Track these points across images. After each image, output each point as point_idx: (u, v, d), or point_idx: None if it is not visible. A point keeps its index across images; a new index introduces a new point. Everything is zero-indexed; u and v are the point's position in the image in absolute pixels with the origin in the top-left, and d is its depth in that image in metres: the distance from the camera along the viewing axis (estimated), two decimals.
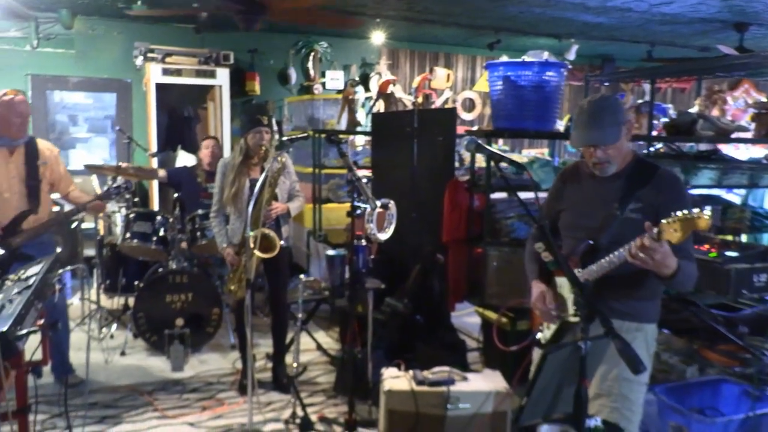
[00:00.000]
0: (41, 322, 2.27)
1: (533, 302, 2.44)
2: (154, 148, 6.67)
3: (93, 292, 5.22)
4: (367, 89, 8.05)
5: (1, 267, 3.32)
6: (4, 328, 1.97)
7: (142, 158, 6.29)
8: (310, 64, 7.73)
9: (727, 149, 5.11)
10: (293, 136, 3.42)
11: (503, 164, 2.25)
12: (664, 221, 1.91)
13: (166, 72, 6.70)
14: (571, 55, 7.76)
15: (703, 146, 4.85)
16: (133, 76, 7.07)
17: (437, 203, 4.30)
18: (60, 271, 2.74)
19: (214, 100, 7.28)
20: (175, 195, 5.00)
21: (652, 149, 4.77)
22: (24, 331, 2.08)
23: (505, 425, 3.02)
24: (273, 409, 3.77)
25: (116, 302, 5.34)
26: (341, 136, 6.16)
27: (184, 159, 6.75)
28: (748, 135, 4.87)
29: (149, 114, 6.77)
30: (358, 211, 3.14)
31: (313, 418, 3.56)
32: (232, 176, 3.77)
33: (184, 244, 4.68)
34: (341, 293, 4.01)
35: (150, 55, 6.66)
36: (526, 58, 4.15)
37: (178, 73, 6.76)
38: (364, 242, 3.69)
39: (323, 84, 7.70)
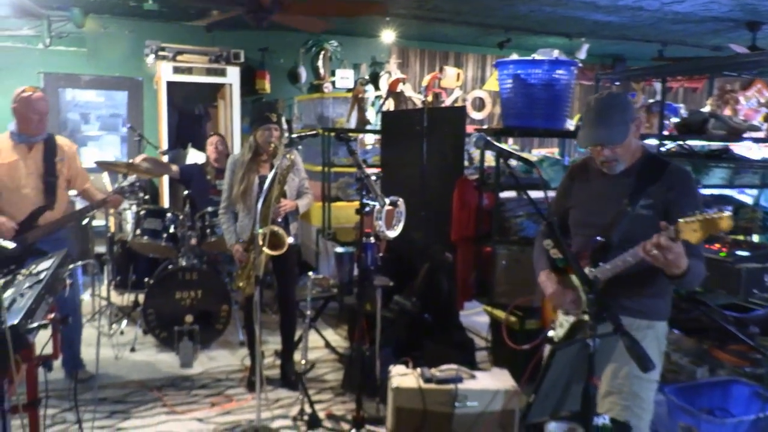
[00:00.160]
0: (52, 316, 2.28)
1: (550, 295, 2.41)
2: (164, 145, 6.71)
3: (103, 289, 5.25)
4: (376, 88, 8.06)
5: (15, 262, 3.35)
6: (15, 321, 1.99)
7: (152, 156, 6.32)
8: (320, 63, 7.74)
9: (739, 149, 5.07)
10: (302, 134, 3.43)
11: (512, 162, 2.25)
12: (682, 220, 1.88)
13: (176, 70, 6.74)
14: (582, 55, 7.72)
15: (714, 145, 4.81)
16: (144, 74, 7.12)
17: (446, 202, 4.29)
18: (71, 266, 2.76)
19: (224, 98, 7.31)
20: (185, 192, 5.03)
21: (663, 149, 4.73)
22: (34, 325, 2.09)
23: (513, 424, 3.01)
24: (281, 406, 3.78)
25: (126, 299, 5.39)
26: (351, 134, 6.16)
27: (194, 157, 6.78)
28: (761, 135, 4.83)
29: (160, 112, 6.82)
30: (367, 209, 3.14)
31: (321, 415, 3.58)
32: (241, 173, 3.78)
33: (193, 241, 4.71)
34: (350, 290, 4.01)
35: (161, 53, 6.70)
36: (536, 56, 4.14)
37: (188, 71, 6.80)
38: (372, 239, 3.69)
39: (333, 83, 7.71)
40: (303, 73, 7.76)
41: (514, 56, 4.51)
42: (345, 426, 3.51)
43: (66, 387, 3.83)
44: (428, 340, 4.07)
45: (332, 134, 5.65)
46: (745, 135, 4.50)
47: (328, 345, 4.72)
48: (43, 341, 2.42)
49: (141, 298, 4.91)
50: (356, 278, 3.45)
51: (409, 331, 4.16)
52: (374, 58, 8.28)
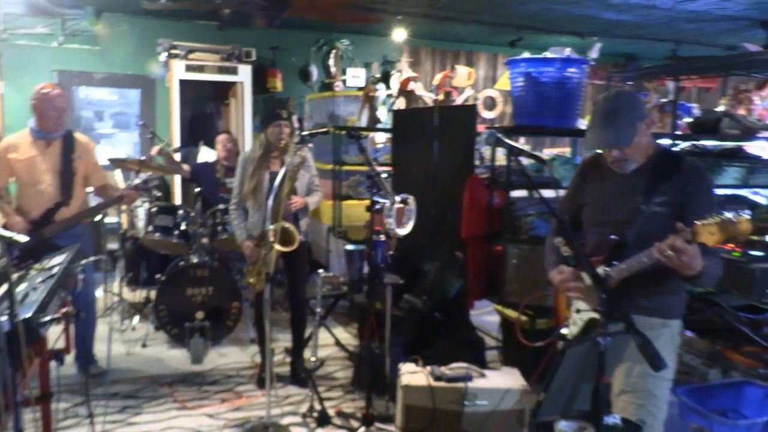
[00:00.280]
0: (64, 310, 2.30)
1: (560, 282, 2.35)
2: (176, 143, 6.74)
3: (116, 285, 5.29)
4: (388, 87, 8.04)
5: (31, 256, 3.38)
6: (28, 315, 2.01)
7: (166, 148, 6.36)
8: (331, 62, 7.74)
9: (753, 149, 5.02)
10: (313, 131, 3.44)
11: (523, 160, 2.23)
12: (699, 223, 1.84)
13: (189, 68, 6.77)
14: (595, 54, 7.66)
15: (728, 145, 4.77)
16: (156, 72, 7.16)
17: (457, 200, 4.28)
18: (83, 261, 2.78)
19: (236, 96, 7.34)
20: (197, 189, 5.05)
21: (675, 148, 4.70)
22: (47, 318, 2.11)
23: (522, 423, 3.00)
24: (291, 403, 3.79)
25: (138, 295, 5.43)
26: (361, 132, 6.16)
27: (205, 155, 6.81)
28: None
29: (172, 110, 6.85)
30: (378, 206, 3.14)
31: (331, 412, 3.58)
32: (252, 169, 3.79)
33: (205, 239, 4.73)
34: (360, 288, 4.02)
35: (173, 51, 6.73)
36: (548, 55, 4.12)
37: (200, 69, 6.83)
38: (383, 237, 3.69)
39: (344, 81, 7.71)
40: (314, 71, 7.77)
41: (526, 55, 4.49)
42: (354, 423, 3.51)
43: (78, 382, 3.86)
44: (438, 339, 4.07)
45: (343, 132, 5.64)
46: (760, 134, 4.46)
47: (338, 342, 4.72)
48: (55, 336, 2.44)
49: (153, 294, 4.94)
50: (366, 276, 3.46)
51: (419, 329, 4.15)
52: (385, 57, 8.27)
